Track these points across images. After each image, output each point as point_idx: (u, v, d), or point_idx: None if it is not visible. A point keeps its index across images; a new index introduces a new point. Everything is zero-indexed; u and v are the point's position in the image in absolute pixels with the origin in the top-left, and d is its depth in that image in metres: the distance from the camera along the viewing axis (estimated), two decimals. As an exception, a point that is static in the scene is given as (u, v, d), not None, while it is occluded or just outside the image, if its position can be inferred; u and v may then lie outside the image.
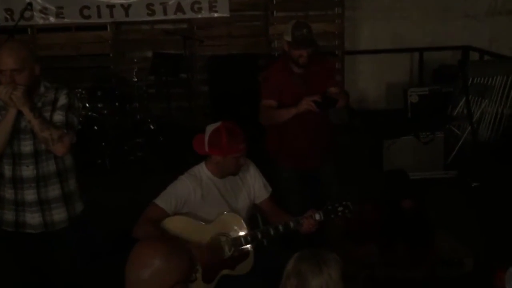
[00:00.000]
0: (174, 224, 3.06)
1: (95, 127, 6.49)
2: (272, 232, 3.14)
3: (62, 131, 3.07)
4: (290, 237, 3.25)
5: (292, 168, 4.09)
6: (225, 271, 3.12)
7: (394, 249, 3.93)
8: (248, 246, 3.16)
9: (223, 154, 3.10)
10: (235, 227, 3.14)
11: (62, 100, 3.14)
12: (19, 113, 3.04)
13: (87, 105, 6.50)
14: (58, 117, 3.12)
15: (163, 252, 1.93)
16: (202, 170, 3.20)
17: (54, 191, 3.18)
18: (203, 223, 3.11)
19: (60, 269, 3.27)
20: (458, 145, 6.35)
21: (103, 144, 6.53)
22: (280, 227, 3.14)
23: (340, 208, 3.18)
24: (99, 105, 6.58)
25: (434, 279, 3.83)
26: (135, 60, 7.21)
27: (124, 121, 6.89)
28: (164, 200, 3.08)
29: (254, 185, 3.33)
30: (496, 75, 6.57)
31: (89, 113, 6.50)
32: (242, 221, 3.15)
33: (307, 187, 4.12)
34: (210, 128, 3.15)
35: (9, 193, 3.15)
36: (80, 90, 6.51)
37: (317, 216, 3.16)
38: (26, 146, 3.08)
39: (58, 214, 3.21)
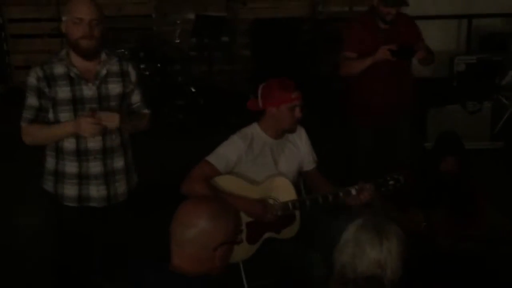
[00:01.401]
0: (223, 183, 3.03)
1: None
2: (320, 200, 3.09)
3: (146, 115, 3.11)
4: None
5: (368, 128, 4.17)
6: (269, 234, 3.10)
7: (436, 218, 3.82)
8: (296, 211, 3.11)
9: (276, 103, 3.04)
10: (284, 192, 3.10)
11: (133, 75, 3.10)
12: (81, 83, 2.95)
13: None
14: (137, 97, 3.11)
15: (209, 213, 1.90)
16: (255, 130, 3.15)
17: (119, 162, 3.10)
18: (252, 184, 3.07)
19: (113, 242, 3.20)
20: (506, 115, 6.17)
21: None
22: (330, 196, 3.09)
23: (391, 182, 3.11)
24: (141, 66, 6.56)
25: (481, 253, 3.71)
26: (178, 22, 7.13)
27: (165, 83, 6.87)
28: (216, 158, 3.03)
29: (304, 152, 3.27)
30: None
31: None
32: (292, 186, 3.11)
33: (380, 149, 4.20)
34: (260, 86, 3.12)
35: (71, 166, 3.01)
36: (123, 50, 6.51)
37: (367, 189, 3.09)
38: None
39: (121, 187, 3.13)
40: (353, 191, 3.06)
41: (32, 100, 2.94)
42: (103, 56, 3.03)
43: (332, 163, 3.95)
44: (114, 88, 3.01)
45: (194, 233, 1.88)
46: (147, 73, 6.59)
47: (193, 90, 7.03)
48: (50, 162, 3.06)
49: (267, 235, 3.10)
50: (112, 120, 2.87)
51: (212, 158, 3.04)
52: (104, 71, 3.00)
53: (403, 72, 4.09)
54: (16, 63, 7.61)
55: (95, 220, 3.10)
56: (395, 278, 1.92)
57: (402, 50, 3.84)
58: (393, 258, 1.91)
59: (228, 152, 3.05)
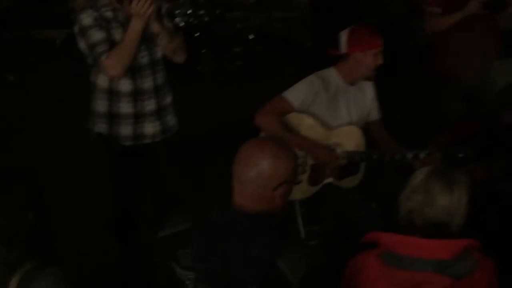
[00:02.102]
0: (296, 121, 3.08)
1: (196, 34, 6.55)
2: (387, 158, 3.10)
3: (182, 37, 3.13)
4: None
5: (456, 83, 4.04)
6: (331, 180, 3.15)
7: (496, 173, 3.76)
8: (361, 162, 3.15)
9: (364, 48, 3.06)
10: (354, 141, 3.13)
11: (164, 8, 3.15)
12: (127, 25, 2.97)
13: (189, 12, 6.56)
14: (169, 24, 3.16)
15: (270, 154, 1.95)
16: (331, 74, 3.16)
17: (167, 97, 3.23)
18: (323, 127, 3.11)
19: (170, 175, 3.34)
20: None
21: (203, 51, 6.60)
22: (397, 156, 3.09)
23: (461, 155, 3.07)
24: (200, 12, 6.61)
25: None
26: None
27: (224, 30, 6.90)
28: (292, 95, 3.07)
29: (372, 102, 3.29)
30: None
31: (191, 20, 6.56)
32: (362, 137, 3.14)
33: (467, 105, 4.09)
34: (346, 30, 3.12)
35: (127, 107, 3.11)
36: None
37: (437, 156, 3.07)
38: (143, 57, 3.07)
39: (171, 120, 3.27)
40: (422, 155, 3.05)
41: (99, 35, 2.98)
42: None
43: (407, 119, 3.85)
44: (154, 26, 3.07)
45: (255, 173, 1.93)
46: (206, 19, 6.62)
47: (251, 37, 7.03)
48: (102, 105, 3.13)
49: (328, 180, 3.15)
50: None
51: (288, 95, 3.07)
52: None
53: (492, 25, 3.91)
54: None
55: (149, 155, 3.25)
56: (461, 223, 1.95)
57: (494, 2, 3.69)
58: (462, 205, 1.94)
59: (305, 91, 3.08)
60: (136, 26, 2.94)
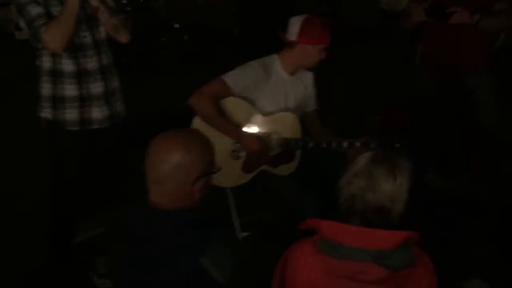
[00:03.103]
0: (232, 106, 2.96)
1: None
2: (323, 145, 3.02)
3: (125, 16, 2.96)
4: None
5: (435, 77, 3.91)
6: (266, 167, 3.04)
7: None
8: (296, 150, 3.06)
9: (314, 42, 2.96)
10: (290, 129, 3.04)
11: None
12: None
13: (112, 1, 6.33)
14: (111, 3, 3.01)
15: (181, 148, 1.79)
16: (274, 62, 3.07)
17: (115, 81, 3.08)
18: (260, 114, 3.02)
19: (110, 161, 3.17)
20: None
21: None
22: (333, 144, 3.02)
23: (397, 145, 3.01)
24: (123, 1, 6.36)
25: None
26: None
27: (149, 19, 6.70)
28: (232, 80, 2.93)
29: (310, 92, 3.22)
30: None
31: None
32: (299, 124, 3.05)
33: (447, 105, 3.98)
34: (298, 19, 2.98)
35: (71, 90, 2.95)
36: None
37: (372, 146, 3.02)
38: (86, 37, 2.92)
39: (120, 106, 3.12)
40: (358, 144, 2.98)
41: (36, 9, 2.82)
42: None
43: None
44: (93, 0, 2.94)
45: (169, 170, 1.78)
46: (129, 8, 6.40)
47: (176, 26, 6.86)
48: (47, 88, 2.97)
49: (263, 167, 3.05)
50: None
51: (228, 79, 2.93)
52: None
53: (469, 30, 3.63)
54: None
55: (96, 141, 3.06)
56: (401, 211, 1.87)
57: (435, 9, 3.55)
58: (404, 192, 1.86)
59: (247, 76, 2.96)
60: (70, 2, 2.76)
